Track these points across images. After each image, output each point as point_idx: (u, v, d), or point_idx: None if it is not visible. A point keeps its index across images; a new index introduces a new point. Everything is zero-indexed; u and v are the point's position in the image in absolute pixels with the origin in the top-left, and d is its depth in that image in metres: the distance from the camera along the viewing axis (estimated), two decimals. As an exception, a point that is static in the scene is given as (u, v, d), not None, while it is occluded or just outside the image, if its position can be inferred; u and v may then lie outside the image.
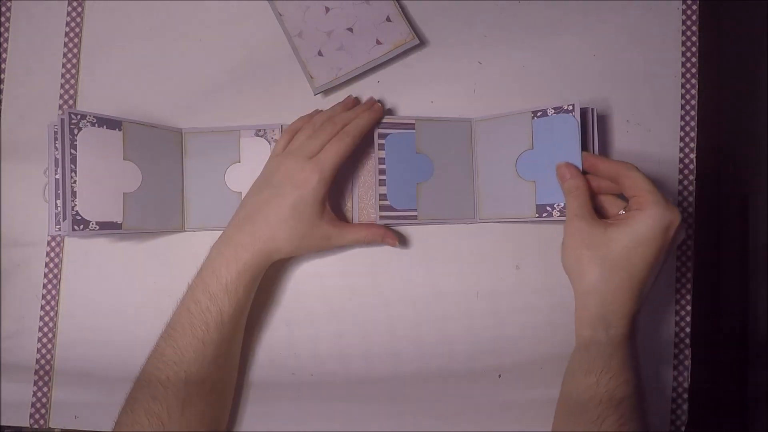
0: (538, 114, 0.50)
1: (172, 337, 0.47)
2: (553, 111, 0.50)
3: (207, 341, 0.46)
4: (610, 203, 0.47)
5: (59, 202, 0.49)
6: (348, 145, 0.48)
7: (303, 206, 0.47)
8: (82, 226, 0.48)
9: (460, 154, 0.53)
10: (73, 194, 0.48)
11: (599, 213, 0.47)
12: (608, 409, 0.42)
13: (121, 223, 0.50)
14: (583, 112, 0.49)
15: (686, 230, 0.44)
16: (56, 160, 0.50)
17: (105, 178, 0.49)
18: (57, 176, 0.49)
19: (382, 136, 0.52)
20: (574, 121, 0.48)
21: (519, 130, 0.51)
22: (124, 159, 0.51)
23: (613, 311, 0.43)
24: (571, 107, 0.49)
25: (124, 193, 0.50)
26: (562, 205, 0.49)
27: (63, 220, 0.48)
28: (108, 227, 0.49)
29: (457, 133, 0.53)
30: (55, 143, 0.51)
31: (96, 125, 0.49)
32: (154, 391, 0.45)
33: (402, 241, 0.53)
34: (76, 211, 0.48)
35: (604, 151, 0.53)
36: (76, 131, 0.48)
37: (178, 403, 0.45)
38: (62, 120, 0.48)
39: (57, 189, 0.50)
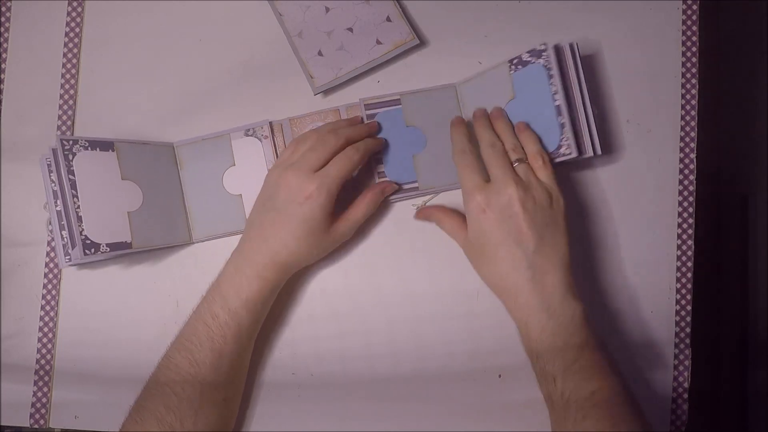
0: (515, 61, 0.50)
1: (188, 349, 0.46)
2: (528, 55, 0.49)
3: (224, 353, 0.46)
4: None
5: (65, 234, 0.49)
6: (356, 164, 0.48)
7: (313, 222, 0.46)
8: (93, 250, 0.47)
9: (449, 121, 0.52)
10: (79, 219, 0.47)
11: None
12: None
13: (130, 242, 0.49)
14: (564, 50, 0.48)
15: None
16: (54, 192, 0.50)
17: (107, 199, 0.49)
18: (58, 208, 0.49)
19: (370, 117, 0.52)
20: (542, 70, 0.48)
21: (500, 84, 0.51)
22: (122, 179, 0.50)
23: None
24: (543, 46, 0.48)
25: (128, 213, 0.50)
26: (552, 149, 0.48)
27: (72, 249, 0.47)
28: (118, 248, 0.49)
29: (443, 100, 0.53)
30: (50, 175, 0.50)
31: (89, 148, 0.49)
32: (167, 400, 0.45)
33: (402, 238, 0.54)
34: (85, 235, 0.47)
35: (604, 151, 0.53)
36: (71, 157, 0.48)
37: (192, 413, 0.45)
38: (54, 150, 0.48)
39: (61, 220, 0.50)
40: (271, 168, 0.51)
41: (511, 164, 0.46)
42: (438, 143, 0.52)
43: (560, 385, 0.42)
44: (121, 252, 0.49)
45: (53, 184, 0.50)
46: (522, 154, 0.47)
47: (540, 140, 0.48)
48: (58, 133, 0.55)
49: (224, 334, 0.46)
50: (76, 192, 0.47)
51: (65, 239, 0.50)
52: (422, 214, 0.52)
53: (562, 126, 0.47)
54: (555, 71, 0.47)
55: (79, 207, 0.47)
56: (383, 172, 0.52)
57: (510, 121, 0.50)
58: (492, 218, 0.45)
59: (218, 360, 0.46)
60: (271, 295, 0.48)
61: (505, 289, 0.46)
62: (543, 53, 0.48)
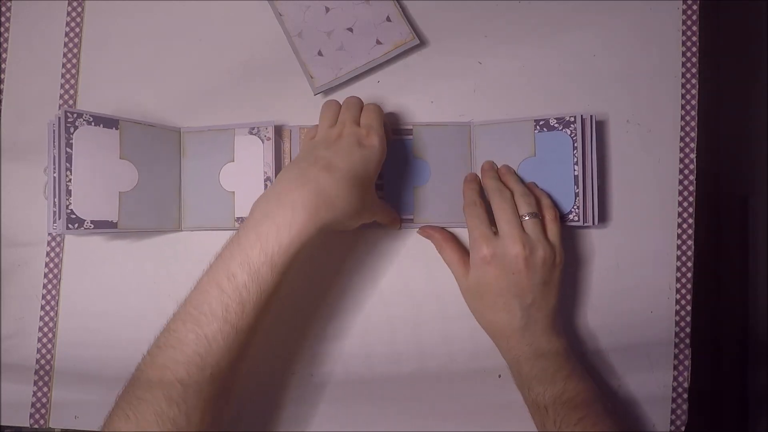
0: (540, 123, 0.51)
1: (196, 320, 0.38)
2: (555, 121, 0.50)
3: (241, 328, 0.38)
4: None
5: (56, 200, 0.49)
6: (380, 113, 0.47)
7: (369, 165, 0.44)
8: (76, 225, 0.48)
9: (458, 158, 0.53)
10: (68, 193, 0.48)
11: None
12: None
13: (116, 222, 0.50)
14: (582, 120, 0.50)
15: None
16: (54, 158, 0.50)
17: (101, 176, 0.49)
18: (55, 174, 0.49)
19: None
20: (569, 140, 0.50)
21: (521, 137, 0.51)
22: (120, 158, 0.50)
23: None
24: (572, 119, 0.49)
25: (119, 192, 0.50)
26: (564, 212, 0.50)
27: (58, 219, 0.48)
28: (103, 226, 0.49)
29: (455, 137, 0.53)
30: (53, 142, 0.51)
31: (93, 124, 0.49)
32: (169, 390, 0.37)
33: (402, 239, 0.54)
34: (71, 209, 0.48)
35: (604, 152, 0.53)
36: (72, 130, 0.48)
37: (201, 405, 0.37)
38: (59, 118, 0.48)
39: (54, 187, 0.50)
40: (304, 142, 0.50)
41: (519, 218, 0.46)
42: (441, 179, 0.52)
43: (552, 413, 0.44)
44: (106, 230, 0.49)
45: (55, 150, 0.50)
46: (533, 205, 0.47)
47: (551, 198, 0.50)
48: (61, 101, 0.55)
49: (242, 300, 0.38)
50: (70, 165, 0.48)
51: (56, 206, 0.50)
52: (425, 232, 0.52)
53: (577, 195, 0.49)
54: (579, 143, 0.49)
55: (70, 180, 0.48)
56: (382, 198, 0.52)
57: (519, 176, 0.51)
58: (495, 271, 0.46)
59: (234, 336, 0.38)
60: (297, 253, 0.40)
61: (499, 333, 0.48)
62: (572, 124, 0.50)
